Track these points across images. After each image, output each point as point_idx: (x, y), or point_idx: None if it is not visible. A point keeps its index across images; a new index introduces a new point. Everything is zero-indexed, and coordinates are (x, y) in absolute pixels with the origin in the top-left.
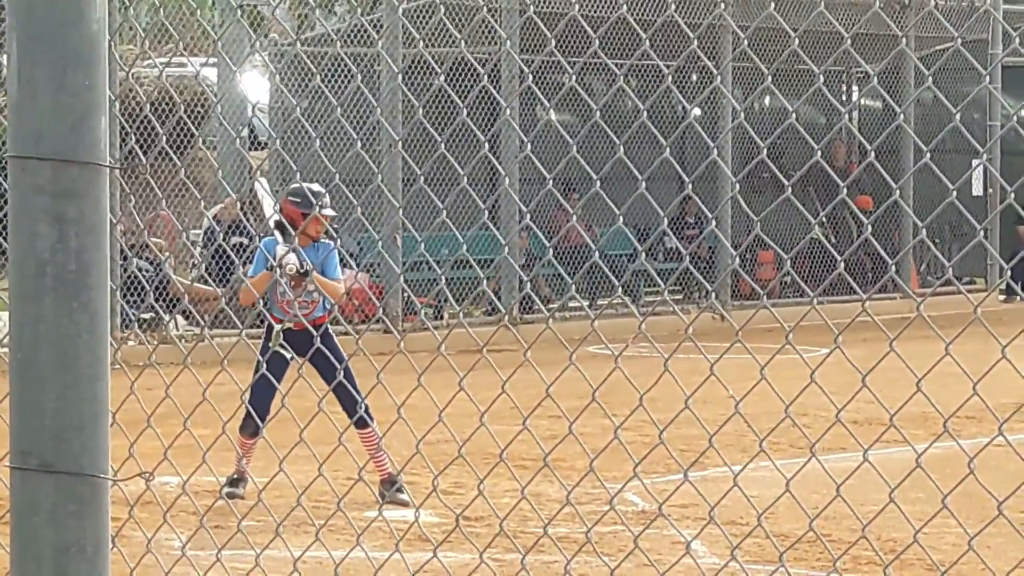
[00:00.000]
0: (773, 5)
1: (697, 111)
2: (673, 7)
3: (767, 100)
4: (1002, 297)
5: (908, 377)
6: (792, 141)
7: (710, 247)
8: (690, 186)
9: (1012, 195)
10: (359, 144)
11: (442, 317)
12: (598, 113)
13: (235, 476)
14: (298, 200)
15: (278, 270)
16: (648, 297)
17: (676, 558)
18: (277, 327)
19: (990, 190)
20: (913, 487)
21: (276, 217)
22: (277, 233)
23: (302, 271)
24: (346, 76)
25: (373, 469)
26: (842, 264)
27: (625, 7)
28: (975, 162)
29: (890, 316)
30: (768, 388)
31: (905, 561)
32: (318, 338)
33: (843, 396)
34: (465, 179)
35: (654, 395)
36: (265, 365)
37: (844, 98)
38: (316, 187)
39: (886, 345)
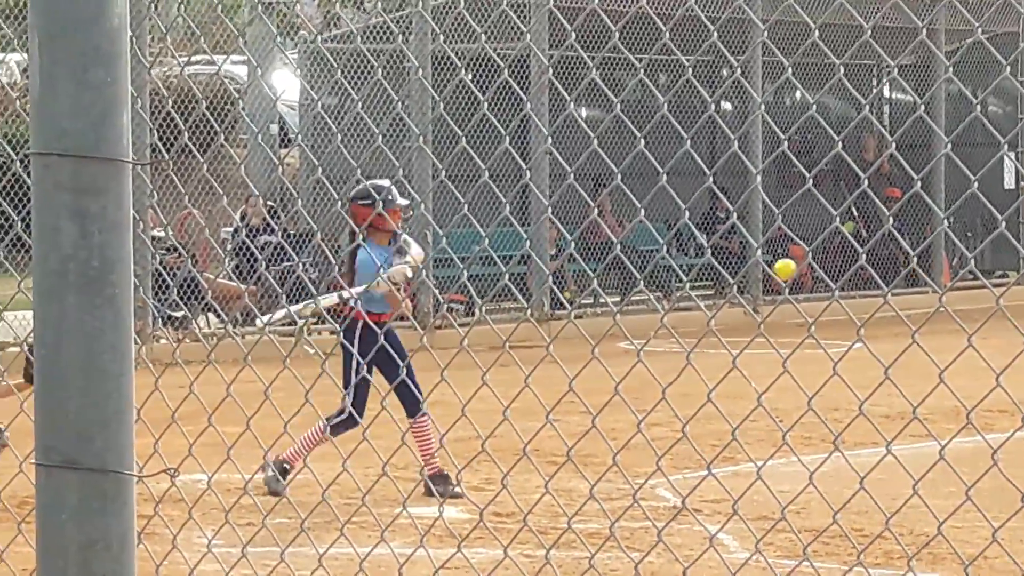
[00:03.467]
0: None
1: (727, 105)
2: (693, 0)
3: (798, 94)
4: None
5: (957, 370)
6: (823, 136)
7: (741, 242)
8: (711, 179)
9: None
10: (380, 139)
11: (473, 313)
12: (618, 106)
13: (287, 466)
14: (369, 201)
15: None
16: (681, 292)
17: (705, 552)
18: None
19: (1023, 183)
20: (946, 481)
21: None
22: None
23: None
24: (374, 72)
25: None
26: (863, 257)
27: (645, 1)
28: (1008, 155)
29: (923, 310)
30: (803, 383)
31: (937, 556)
32: (381, 335)
33: (871, 391)
34: (487, 173)
35: (687, 391)
36: (361, 364)
37: (876, 92)
38: (382, 182)
39: (917, 339)
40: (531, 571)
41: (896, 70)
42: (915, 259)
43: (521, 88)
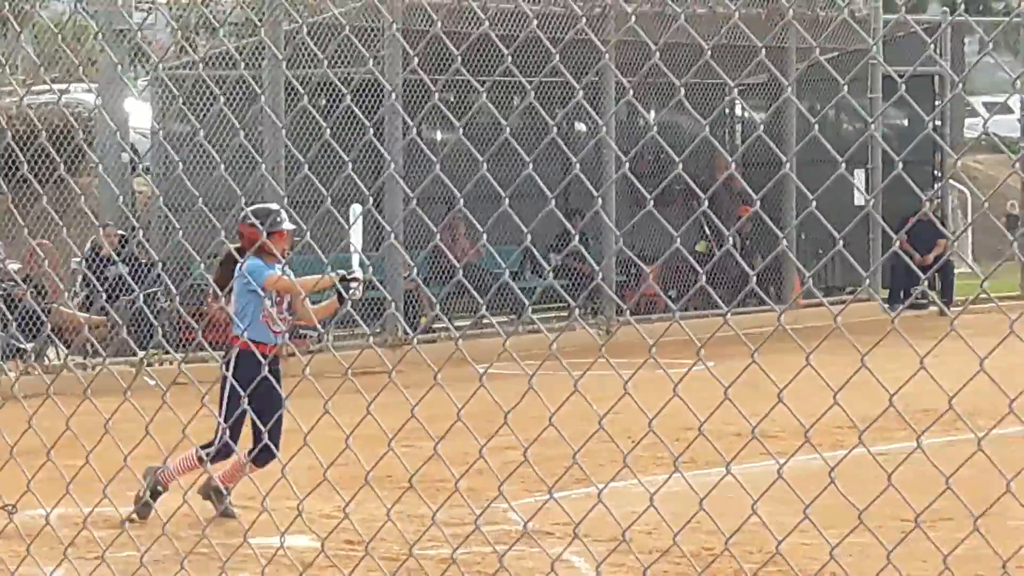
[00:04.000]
0: (634, 19)
1: (582, 127)
2: (535, 23)
3: (652, 115)
4: (886, 306)
5: (810, 388)
6: (675, 156)
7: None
8: (552, 203)
9: (871, 204)
10: (222, 168)
11: (321, 340)
12: (460, 130)
13: (159, 488)
14: (255, 222)
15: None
16: (537, 315)
17: None
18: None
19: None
20: (795, 499)
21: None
22: (257, 258)
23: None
24: (227, 98)
25: (216, 475)
26: (703, 278)
27: (488, 24)
28: (857, 172)
29: (774, 328)
30: (656, 403)
31: (785, 573)
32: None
33: (727, 410)
34: (329, 200)
35: (537, 413)
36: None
37: (727, 111)
38: (272, 205)
39: (766, 358)
40: None
41: (739, 90)
42: (754, 278)
43: (374, 112)
